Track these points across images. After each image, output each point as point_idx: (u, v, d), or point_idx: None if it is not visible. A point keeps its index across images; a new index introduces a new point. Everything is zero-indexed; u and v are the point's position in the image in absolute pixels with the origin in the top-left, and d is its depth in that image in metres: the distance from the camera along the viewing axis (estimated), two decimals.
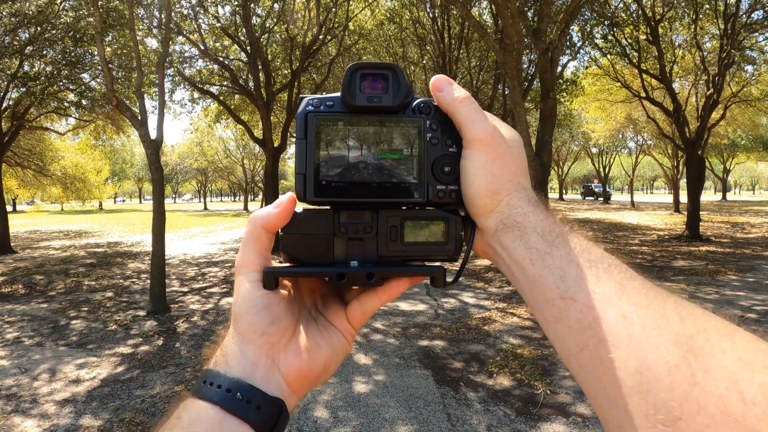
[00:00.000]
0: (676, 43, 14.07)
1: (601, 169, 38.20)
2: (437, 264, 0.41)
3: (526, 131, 6.32)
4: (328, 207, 0.41)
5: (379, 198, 0.39)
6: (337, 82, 14.53)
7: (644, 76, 13.22)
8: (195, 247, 14.18)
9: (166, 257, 7.55)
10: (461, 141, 0.40)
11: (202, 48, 11.00)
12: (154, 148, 6.35)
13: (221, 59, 11.67)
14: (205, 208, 48.23)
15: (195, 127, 38.30)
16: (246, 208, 40.78)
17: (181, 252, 13.03)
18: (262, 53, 10.31)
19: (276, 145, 11.74)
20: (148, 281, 8.50)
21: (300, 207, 0.40)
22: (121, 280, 9.05)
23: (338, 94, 0.40)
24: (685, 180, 15.02)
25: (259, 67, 10.98)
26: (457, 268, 0.42)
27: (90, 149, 21.69)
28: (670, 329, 0.29)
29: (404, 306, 6.59)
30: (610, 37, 12.20)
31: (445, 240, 0.40)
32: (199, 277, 9.19)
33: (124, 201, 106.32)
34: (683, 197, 22.11)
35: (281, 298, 0.40)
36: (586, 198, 48.36)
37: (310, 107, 0.40)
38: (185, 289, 8.11)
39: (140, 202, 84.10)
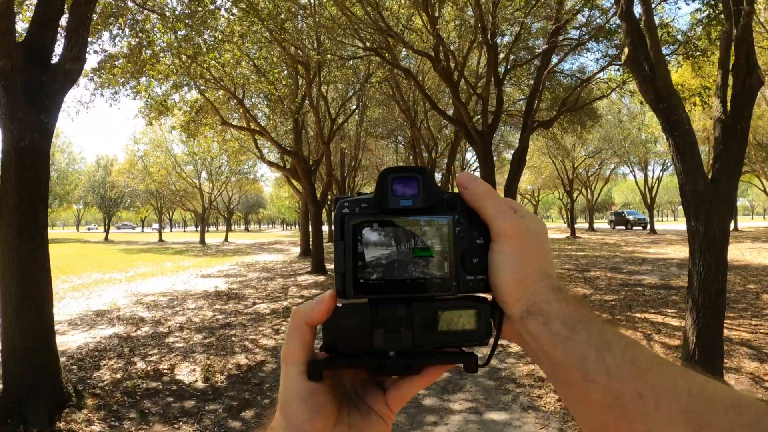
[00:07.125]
0: None
1: (647, 192, 30.90)
2: (470, 351, 0.43)
3: None
4: (366, 300, 0.43)
5: (413, 293, 0.43)
6: None
7: None
8: None
9: None
10: (487, 232, 0.43)
11: None
12: None
13: None
14: (161, 239, 39.88)
15: (136, 138, 30.55)
16: (202, 241, 32.01)
17: None
18: None
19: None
20: None
21: (340, 302, 0.43)
22: None
23: (371, 195, 0.44)
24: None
25: None
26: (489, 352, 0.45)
27: None
28: (681, 406, 0.32)
29: None
30: None
31: (476, 327, 0.42)
32: None
33: (90, 229, 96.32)
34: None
35: (325, 387, 0.42)
36: (617, 227, 40.66)
37: (345, 209, 0.43)
38: None
39: (105, 230, 74.08)
